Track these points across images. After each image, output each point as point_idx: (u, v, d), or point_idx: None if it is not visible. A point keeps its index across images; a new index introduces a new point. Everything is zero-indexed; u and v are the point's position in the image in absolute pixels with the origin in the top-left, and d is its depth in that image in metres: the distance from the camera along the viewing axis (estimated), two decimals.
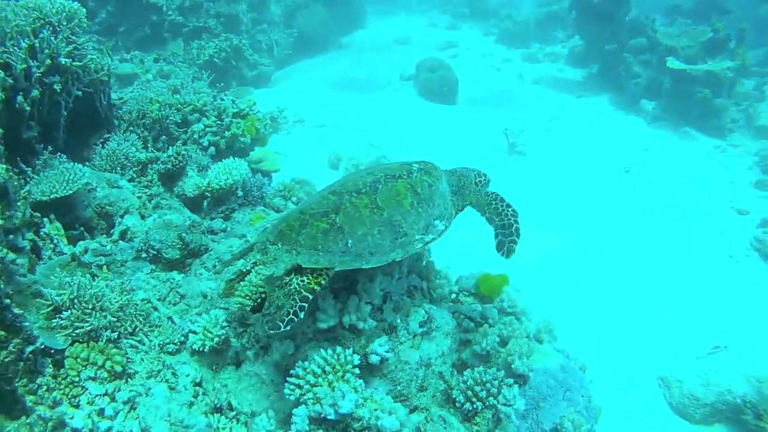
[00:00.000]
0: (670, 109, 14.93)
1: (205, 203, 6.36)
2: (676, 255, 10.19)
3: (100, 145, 6.66)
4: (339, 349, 3.36)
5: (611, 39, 16.14)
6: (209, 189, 6.00)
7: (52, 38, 5.74)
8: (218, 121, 8.10)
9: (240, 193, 6.32)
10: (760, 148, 14.10)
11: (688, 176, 12.76)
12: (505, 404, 3.39)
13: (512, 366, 3.61)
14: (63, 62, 5.86)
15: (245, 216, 6.15)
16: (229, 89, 14.21)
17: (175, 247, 5.30)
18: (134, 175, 6.44)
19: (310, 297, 3.16)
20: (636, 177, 12.49)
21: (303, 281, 3.20)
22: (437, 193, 3.69)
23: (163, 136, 7.40)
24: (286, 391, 3.36)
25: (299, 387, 3.30)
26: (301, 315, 3.11)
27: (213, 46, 14.31)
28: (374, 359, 3.40)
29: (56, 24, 5.85)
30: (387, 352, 3.43)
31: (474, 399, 3.48)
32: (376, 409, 3.11)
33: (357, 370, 3.32)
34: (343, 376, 3.23)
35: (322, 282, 3.22)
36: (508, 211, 3.94)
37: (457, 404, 3.52)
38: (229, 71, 14.51)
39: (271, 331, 3.07)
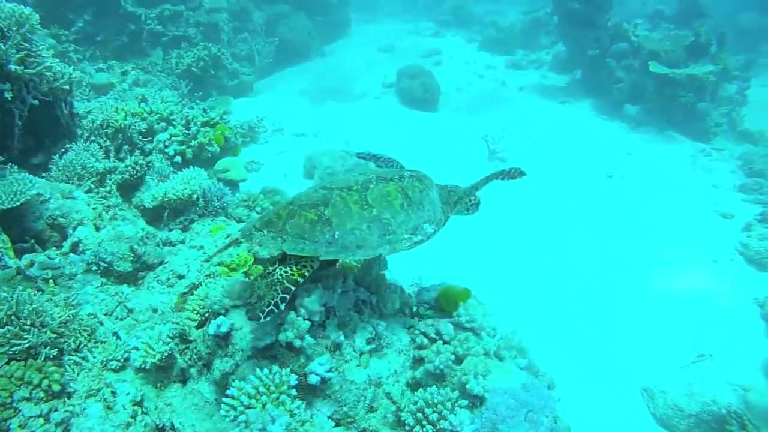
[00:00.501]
0: (653, 114, 14.85)
1: (166, 214, 6.16)
2: (659, 260, 10.02)
3: (59, 155, 6.46)
4: (275, 368, 3.17)
5: (593, 44, 16.07)
6: (166, 199, 5.79)
7: (1, 44, 5.54)
8: (185, 131, 7.92)
9: (201, 203, 6.13)
10: (743, 152, 14.03)
11: (671, 180, 12.63)
12: (450, 430, 3.15)
13: (467, 386, 3.34)
14: (13, 69, 5.66)
15: (205, 227, 5.95)
16: (209, 99, 14.06)
17: (127, 260, 5.10)
18: (92, 186, 6.23)
19: (293, 289, 3.13)
20: (619, 182, 12.36)
21: (286, 272, 3.18)
22: (427, 199, 3.71)
23: (126, 146, 7.20)
24: (221, 412, 3.16)
25: (234, 408, 3.10)
26: (282, 306, 3.07)
27: (191, 55, 14.13)
28: (313, 380, 3.19)
29: (5, 30, 5.65)
30: (328, 371, 3.22)
31: (424, 422, 3.23)
32: None
33: (294, 391, 3.12)
34: (277, 398, 3.02)
35: (306, 274, 3.20)
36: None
37: (406, 427, 3.27)
38: (208, 80, 14.32)
39: (251, 321, 3.04)
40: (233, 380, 3.30)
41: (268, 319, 3.05)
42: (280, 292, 3.08)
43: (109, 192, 6.22)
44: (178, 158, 7.63)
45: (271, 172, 11.31)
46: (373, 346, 3.56)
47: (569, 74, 17.39)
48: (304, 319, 3.23)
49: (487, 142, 12.47)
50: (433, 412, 3.23)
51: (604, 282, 9.31)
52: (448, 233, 4.34)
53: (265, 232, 3.28)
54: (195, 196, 6.07)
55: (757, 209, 11.44)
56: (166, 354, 3.92)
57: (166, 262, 5.35)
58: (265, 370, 3.14)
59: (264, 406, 3.00)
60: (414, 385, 3.59)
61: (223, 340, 3.54)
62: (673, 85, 14.44)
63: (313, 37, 19.25)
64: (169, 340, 3.94)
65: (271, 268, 3.26)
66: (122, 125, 7.05)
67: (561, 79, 17.44)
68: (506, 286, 9.08)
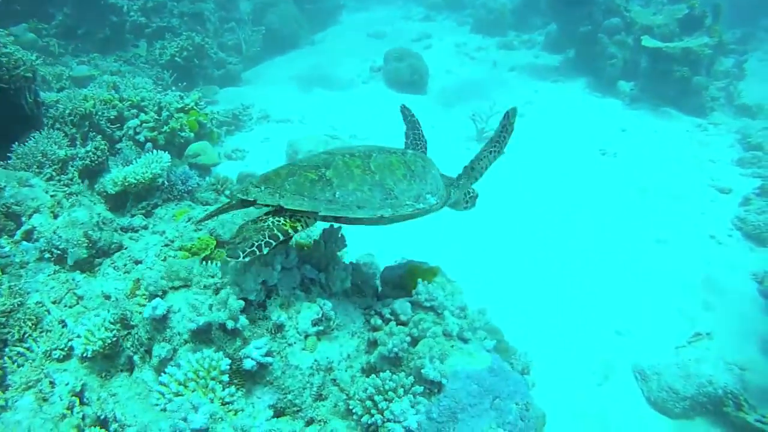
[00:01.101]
0: (648, 90, 14.51)
1: (130, 200, 5.94)
2: (654, 237, 9.76)
3: (21, 144, 6.26)
4: (207, 352, 2.94)
5: (585, 20, 15.70)
6: (127, 183, 5.57)
7: None
8: (157, 117, 7.71)
9: (166, 187, 5.91)
10: (741, 126, 13.69)
11: (667, 156, 12.32)
12: (392, 420, 2.86)
13: (422, 371, 3.07)
14: None
15: (168, 212, 5.72)
16: (194, 89, 13.82)
17: (82, 246, 4.88)
18: (53, 174, 6.01)
19: (281, 237, 2.99)
20: (612, 159, 12.06)
21: (278, 221, 3.07)
22: (430, 175, 3.64)
23: (93, 134, 6.99)
24: (152, 401, 2.94)
25: (164, 397, 2.88)
26: (266, 251, 2.93)
27: (175, 46, 13.88)
28: (249, 364, 2.94)
29: None
30: (266, 356, 2.97)
31: (374, 411, 2.97)
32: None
33: (225, 377, 2.89)
34: (207, 385, 2.79)
35: (299, 228, 3.09)
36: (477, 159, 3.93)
37: (354, 416, 3.01)
38: (193, 70, 14.08)
39: (230, 259, 2.88)
40: (169, 366, 3.07)
41: (247, 259, 2.88)
42: (266, 236, 2.95)
43: (71, 179, 6.01)
44: (149, 145, 7.40)
45: (256, 160, 11.08)
46: (321, 328, 3.28)
47: (562, 54, 17.03)
48: (238, 298, 2.98)
49: (474, 121, 12.18)
50: (384, 399, 2.98)
51: (596, 260, 9.06)
52: (440, 214, 4.12)
53: (263, 188, 3.18)
54: (160, 180, 5.86)
55: (756, 183, 11.10)
56: (109, 341, 3.70)
57: (125, 248, 5.14)
58: (198, 355, 2.92)
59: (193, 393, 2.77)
60: (369, 371, 3.33)
61: (161, 323, 3.32)
62: (667, 59, 14.08)
63: (301, 25, 18.96)
64: (112, 326, 3.71)
65: (263, 217, 3.12)
66: (87, 112, 6.83)
67: (554, 59, 17.09)
68: (496, 264, 8.85)
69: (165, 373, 2.97)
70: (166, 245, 5.14)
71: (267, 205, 3.18)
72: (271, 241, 2.95)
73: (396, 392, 2.94)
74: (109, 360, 3.85)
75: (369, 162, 3.38)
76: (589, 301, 8.23)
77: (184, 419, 2.56)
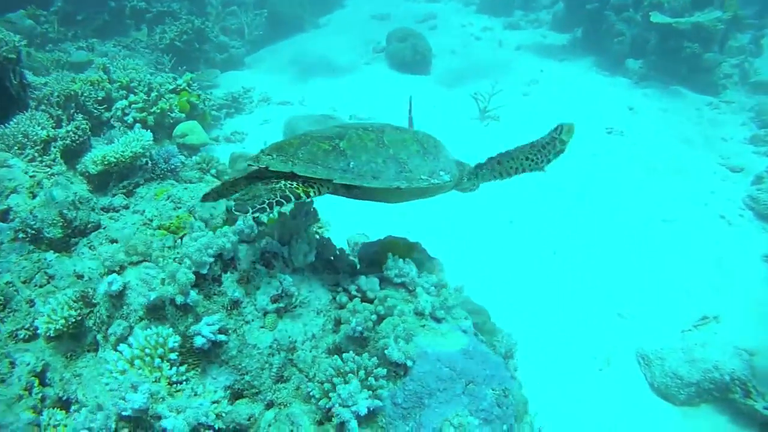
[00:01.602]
0: (657, 68, 14.10)
1: (113, 180, 5.83)
2: (661, 217, 9.48)
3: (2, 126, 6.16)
4: (155, 330, 2.79)
5: None
6: (106, 162, 5.45)
7: None
8: (146, 98, 7.58)
9: (149, 166, 5.78)
10: (755, 104, 13.24)
11: (675, 135, 11.98)
12: (340, 404, 2.66)
13: (385, 352, 2.87)
14: None
15: (150, 191, 5.59)
16: (194, 72, 13.68)
17: (57, 226, 4.77)
18: (36, 155, 5.92)
19: (293, 199, 2.90)
20: (619, 137, 11.73)
21: (291, 184, 2.97)
22: (442, 153, 3.58)
23: (79, 115, 6.87)
24: (103, 381, 2.81)
25: (112, 375, 2.75)
26: (275, 210, 2.84)
27: (174, 30, 13.74)
28: (199, 341, 2.78)
29: None
30: (219, 333, 2.81)
31: (332, 394, 2.79)
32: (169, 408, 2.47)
33: (173, 355, 2.74)
34: (152, 363, 2.64)
35: (311, 194, 3.00)
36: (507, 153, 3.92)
37: (312, 400, 2.84)
38: (192, 54, 13.92)
39: (236, 212, 2.77)
40: (120, 345, 2.93)
41: (254, 215, 2.77)
42: (278, 196, 2.85)
43: (54, 160, 5.93)
44: (137, 126, 7.28)
45: (255, 142, 10.93)
46: (281, 305, 3.10)
47: (570, 33, 16.62)
48: (191, 272, 2.83)
49: (476, 100, 11.91)
50: (345, 383, 2.80)
51: (599, 240, 8.81)
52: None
53: (275, 155, 3.07)
54: (144, 160, 5.74)
55: None
56: (72, 320, 3.58)
57: (104, 228, 5.02)
58: (146, 332, 2.78)
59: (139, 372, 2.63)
60: (335, 352, 3.16)
61: (118, 300, 3.18)
62: (677, 36, 13.66)
63: (305, 8, 18.69)
64: (74, 304, 3.59)
65: (275, 180, 3.01)
66: (73, 93, 6.71)
67: (561, 38, 16.68)
68: (497, 242, 8.66)
69: (114, 352, 2.83)
70: (145, 224, 5.02)
71: (278, 173, 3.05)
72: (282, 200, 2.86)
73: (357, 374, 2.76)
74: (75, 340, 3.73)
75: (382, 136, 3.32)
76: (591, 283, 8.01)
77: (123, 399, 2.42)
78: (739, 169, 11.06)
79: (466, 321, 3.46)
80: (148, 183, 5.72)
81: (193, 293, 2.81)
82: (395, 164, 3.22)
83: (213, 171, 6.28)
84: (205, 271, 2.91)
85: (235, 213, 2.78)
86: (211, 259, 2.92)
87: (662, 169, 10.79)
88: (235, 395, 2.91)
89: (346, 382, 2.74)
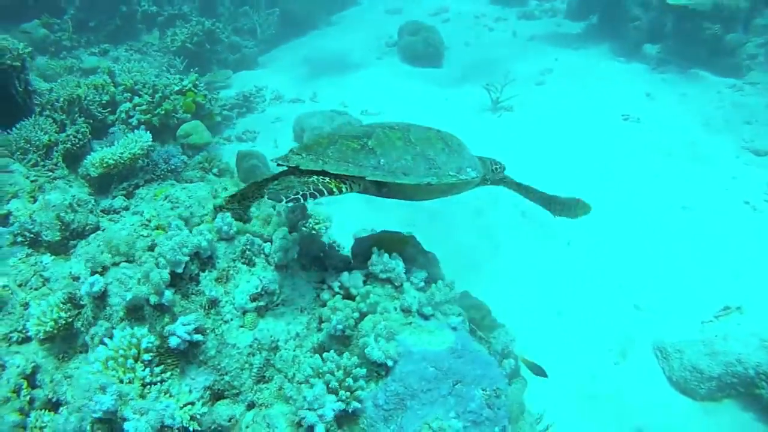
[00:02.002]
0: (675, 52, 13.70)
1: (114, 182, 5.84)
2: (680, 203, 9.18)
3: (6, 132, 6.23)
4: (129, 331, 2.73)
5: None
6: (105, 165, 5.45)
7: None
8: (150, 99, 7.60)
9: (149, 167, 5.78)
10: None
11: (695, 120, 11.62)
12: (308, 408, 2.56)
13: (365, 351, 2.78)
14: None
15: (150, 192, 5.58)
16: (207, 74, 13.73)
17: (55, 229, 4.78)
18: (38, 159, 5.96)
19: (325, 193, 2.93)
20: (635, 124, 11.43)
21: (324, 179, 3.00)
22: (466, 151, 3.64)
23: (82, 119, 6.90)
24: (82, 381, 2.77)
25: (89, 377, 2.70)
26: (308, 201, 2.89)
27: (185, 32, 13.80)
28: (174, 342, 2.72)
29: None
30: (196, 333, 2.74)
31: (298, 397, 2.67)
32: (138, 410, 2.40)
33: (147, 356, 2.67)
34: (125, 364, 2.59)
35: (343, 189, 3.03)
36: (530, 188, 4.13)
37: (290, 402, 2.76)
38: (204, 55, 13.98)
39: (269, 199, 2.84)
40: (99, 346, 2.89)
41: (288, 204, 2.82)
42: (311, 189, 2.88)
43: (56, 164, 5.96)
44: (142, 128, 7.29)
45: (266, 140, 10.94)
46: (262, 303, 3.02)
47: (585, 20, 16.27)
48: (166, 271, 2.76)
49: (489, 90, 11.71)
50: (324, 383, 2.69)
51: (615, 229, 8.57)
52: None
53: (304, 155, 3.11)
54: (144, 161, 5.74)
55: None
56: (63, 321, 3.56)
57: (102, 230, 5.02)
58: (122, 333, 2.72)
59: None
60: (319, 350, 3.07)
61: (101, 301, 3.14)
62: (695, 17, 13.25)
63: (318, 5, 18.64)
64: (64, 306, 3.56)
65: (307, 176, 3.04)
66: (76, 97, 6.74)
67: (576, 26, 16.34)
68: (511, 231, 8.49)
69: (96, 352, 2.78)
70: (143, 225, 4.99)
71: (310, 172, 3.06)
72: (315, 193, 2.88)
73: (335, 375, 2.66)
74: (67, 341, 3.71)
75: (408, 134, 3.36)
76: (606, 274, 7.79)
77: (92, 400, 2.37)
78: (763, 153, 10.68)
79: (457, 318, 3.32)
80: (148, 184, 5.71)
81: (168, 293, 2.75)
82: (424, 161, 3.25)
83: (215, 170, 6.26)
84: (180, 270, 2.84)
85: (269, 200, 2.82)
86: (186, 258, 2.85)
87: (681, 154, 10.48)
88: (216, 396, 2.84)
89: (326, 384, 2.64)
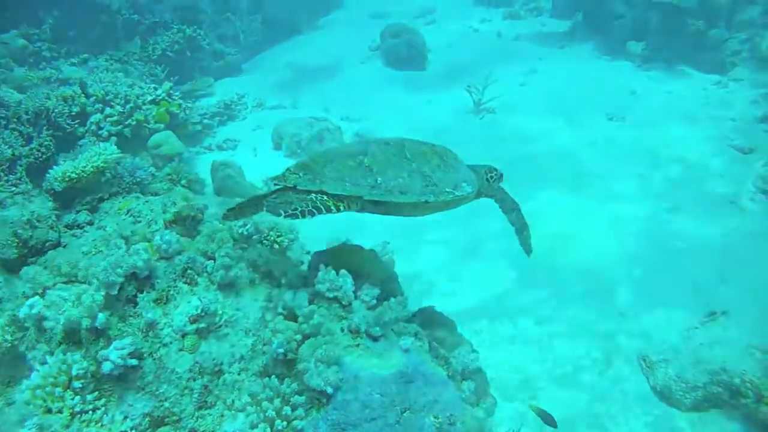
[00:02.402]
0: (660, 49, 13.64)
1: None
2: (665, 204, 9.05)
3: None
4: (65, 356, 2.60)
5: None
6: (67, 179, 5.31)
7: None
8: (122, 110, 7.47)
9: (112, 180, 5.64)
10: (767, 80, 12.68)
11: (680, 117, 11.51)
12: None
13: (304, 377, 2.66)
14: None
15: (114, 205, 5.44)
16: (188, 82, 13.61)
17: (11, 246, 4.63)
18: (1, 174, 5.83)
19: (324, 211, 2.96)
20: (620, 123, 11.34)
21: (322, 197, 3.02)
22: (461, 165, 3.64)
23: (50, 131, 6.78)
24: (13, 410, 2.63)
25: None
26: (306, 217, 2.89)
27: (166, 40, 13.69)
28: (107, 367, 2.59)
29: None
30: (132, 357, 2.60)
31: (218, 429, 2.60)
32: None
33: (78, 383, 2.54)
34: (52, 392, 2.45)
35: (341, 208, 3.04)
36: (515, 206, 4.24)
37: None
38: (185, 63, 13.87)
39: (267, 212, 2.88)
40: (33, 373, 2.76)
41: (285, 219, 2.85)
42: (309, 205, 2.92)
43: (20, 178, 5.82)
44: (112, 139, 7.18)
45: (246, 149, 10.83)
46: (203, 325, 2.89)
47: (570, 19, 16.20)
48: (100, 293, 2.63)
49: (470, 92, 11.61)
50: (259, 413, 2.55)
51: (599, 233, 8.44)
52: None
53: (302, 174, 3.10)
54: (108, 174, 5.60)
55: None
56: (7, 344, 3.41)
57: (64, 246, 4.87)
58: (53, 359, 2.59)
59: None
60: (265, 374, 2.93)
61: (40, 323, 3.00)
62: (679, 13, 13.19)
63: (302, 11, 18.57)
64: (8, 328, 3.42)
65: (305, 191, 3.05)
66: (42, 109, 6.61)
67: (562, 25, 16.27)
68: (493, 230, 8.35)
69: (24, 381, 2.65)
70: (106, 240, 4.86)
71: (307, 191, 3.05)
72: (314, 210, 2.91)
73: (273, 403, 2.52)
74: (13, 366, 3.57)
75: (404, 150, 3.35)
76: (589, 279, 7.65)
77: None
78: (748, 150, 10.57)
79: (410, 338, 3.18)
80: (113, 197, 5.57)
81: (101, 316, 2.62)
82: (421, 178, 3.25)
83: (183, 181, 6.12)
84: (115, 292, 2.71)
85: (267, 212, 2.85)
86: (121, 279, 2.73)
87: (665, 153, 10.37)
88: (156, 423, 2.71)
89: (262, 412, 2.50)
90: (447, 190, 3.31)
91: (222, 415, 2.75)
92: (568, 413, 6.00)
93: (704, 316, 6.93)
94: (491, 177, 3.97)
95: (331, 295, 3.08)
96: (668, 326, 6.93)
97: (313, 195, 3.00)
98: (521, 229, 4.23)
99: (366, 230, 6.66)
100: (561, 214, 8.86)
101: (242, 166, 8.28)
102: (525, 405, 5.80)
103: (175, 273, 2.95)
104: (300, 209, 2.86)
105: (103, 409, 2.56)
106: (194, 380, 2.79)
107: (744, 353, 6.14)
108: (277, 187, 3.15)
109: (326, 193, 3.02)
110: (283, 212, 2.82)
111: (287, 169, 3.21)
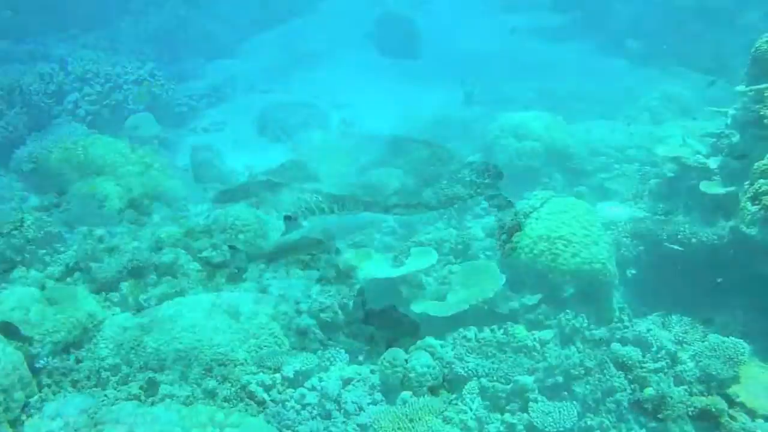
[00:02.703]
0: (657, 48, 13.45)
1: None
2: (662, 206, 8.91)
3: None
4: None
5: None
6: None
7: None
8: (101, 90, 7.32)
9: None
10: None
11: (675, 115, 11.37)
12: None
13: None
14: None
15: None
16: (180, 61, 13.38)
17: None
18: None
19: None
20: (612, 123, 11.18)
21: None
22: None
23: (24, 109, 6.63)
24: None
25: None
26: None
27: (158, 19, 13.50)
28: None
29: None
30: None
31: None
32: None
33: None
34: None
35: None
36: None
37: None
38: (177, 43, 13.68)
39: None
40: None
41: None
42: None
43: None
44: (89, 119, 7.04)
45: (233, 131, 10.66)
46: None
47: (568, 14, 15.99)
48: None
49: (463, 84, 11.43)
50: None
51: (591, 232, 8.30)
52: None
53: None
54: None
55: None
56: None
57: None
58: None
59: None
60: None
61: None
62: (678, 12, 13.02)
63: None
64: None
65: None
66: (14, 86, 6.46)
67: (559, 20, 16.06)
68: None
69: None
70: None
71: None
72: None
73: None
74: None
75: None
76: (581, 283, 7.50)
77: None
78: (742, 153, 10.44)
79: None
80: None
81: None
82: None
83: (157, 165, 6.00)
84: None
85: None
86: None
87: (660, 153, 10.22)
88: None
89: None
90: None
91: None
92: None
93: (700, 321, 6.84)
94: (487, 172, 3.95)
95: None
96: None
97: None
98: (512, 228, 4.37)
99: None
100: (553, 214, 8.71)
101: (226, 150, 8.15)
102: (516, 417, 5.59)
103: None
104: None
105: None
106: None
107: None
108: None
109: None
110: None
111: None
